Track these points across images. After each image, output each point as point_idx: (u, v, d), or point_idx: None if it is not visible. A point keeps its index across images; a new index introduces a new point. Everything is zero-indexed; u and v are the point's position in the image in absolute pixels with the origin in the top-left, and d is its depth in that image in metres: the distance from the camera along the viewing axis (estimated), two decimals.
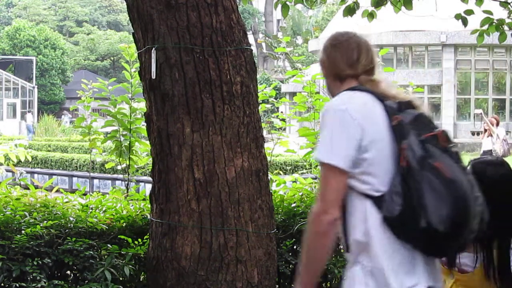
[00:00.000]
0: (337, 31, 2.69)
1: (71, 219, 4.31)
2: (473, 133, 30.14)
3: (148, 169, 6.40)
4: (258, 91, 4.34)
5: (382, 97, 2.44)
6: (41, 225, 4.16)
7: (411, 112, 2.44)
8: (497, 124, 15.70)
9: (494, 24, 6.52)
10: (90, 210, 4.51)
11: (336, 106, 2.43)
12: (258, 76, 6.90)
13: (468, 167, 3.02)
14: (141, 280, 4.30)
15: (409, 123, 2.39)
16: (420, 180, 2.30)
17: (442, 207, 2.28)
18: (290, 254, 4.61)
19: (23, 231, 4.12)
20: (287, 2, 6.71)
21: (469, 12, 6.28)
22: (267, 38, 47.80)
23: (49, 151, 22.55)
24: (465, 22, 6.32)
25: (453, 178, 2.31)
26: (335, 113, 2.40)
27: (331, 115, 2.41)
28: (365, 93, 2.45)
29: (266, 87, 7.19)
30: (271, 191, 3.99)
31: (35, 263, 4.02)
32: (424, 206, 2.28)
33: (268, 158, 4.24)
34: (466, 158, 3.14)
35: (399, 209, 2.31)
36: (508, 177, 3.00)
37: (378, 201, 2.36)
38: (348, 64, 2.53)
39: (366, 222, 2.38)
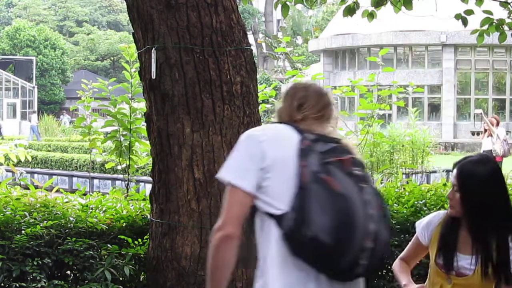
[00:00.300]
0: (296, 82, 2.84)
1: (71, 219, 4.31)
2: (473, 133, 30.11)
3: (148, 169, 6.40)
4: (258, 91, 4.34)
5: (304, 131, 2.54)
6: (41, 225, 4.16)
7: (329, 144, 2.51)
8: (497, 124, 15.68)
9: (494, 24, 6.52)
10: (90, 210, 4.51)
11: (246, 132, 2.61)
12: (258, 76, 6.91)
13: (455, 169, 2.98)
14: (141, 280, 4.30)
15: (319, 150, 2.47)
16: (311, 194, 2.38)
17: (326, 218, 2.34)
18: None
19: (23, 231, 4.13)
20: (287, 2, 6.71)
21: (469, 12, 6.27)
22: (267, 38, 47.80)
23: (49, 151, 22.55)
24: (465, 22, 6.32)
25: (341, 192, 2.37)
26: (243, 138, 2.56)
27: (241, 140, 2.57)
28: (285, 125, 2.57)
29: (266, 87, 7.20)
30: None
31: (35, 263, 4.02)
32: (311, 218, 2.35)
33: None
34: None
35: (292, 223, 2.37)
36: (498, 173, 2.96)
37: (279, 219, 2.42)
38: (290, 112, 2.65)
39: (269, 241, 2.45)
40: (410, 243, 3.24)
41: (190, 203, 3.68)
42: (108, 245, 4.24)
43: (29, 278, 4.03)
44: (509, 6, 6.63)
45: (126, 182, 6.52)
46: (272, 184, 2.45)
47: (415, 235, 3.18)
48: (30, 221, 4.20)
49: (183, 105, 3.67)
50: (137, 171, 7.77)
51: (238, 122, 3.73)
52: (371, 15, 6.68)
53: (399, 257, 3.28)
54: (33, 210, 4.32)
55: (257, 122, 3.84)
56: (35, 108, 45.07)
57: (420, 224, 3.15)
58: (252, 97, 3.82)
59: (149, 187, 6.51)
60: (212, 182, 3.66)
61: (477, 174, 2.91)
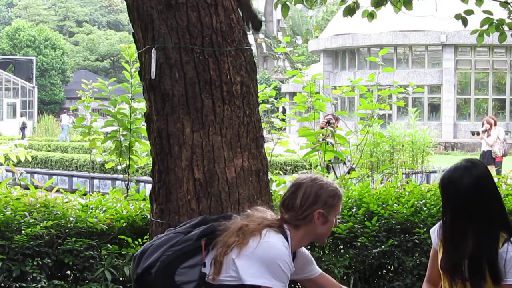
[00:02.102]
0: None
1: (71, 219, 4.31)
2: (473, 133, 30.14)
3: (148, 169, 6.40)
4: (258, 91, 4.34)
5: None
6: (41, 225, 4.16)
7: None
8: (495, 124, 15.71)
9: (494, 24, 6.52)
10: (90, 210, 4.51)
11: None
12: (258, 76, 6.90)
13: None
14: None
15: None
16: None
17: None
18: None
19: (23, 231, 4.12)
20: (287, 2, 6.71)
21: (469, 12, 6.28)
22: (267, 39, 47.79)
23: (49, 151, 22.56)
24: (465, 22, 6.32)
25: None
26: None
27: None
28: None
29: (266, 87, 7.19)
30: (271, 191, 3.98)
31: (35, 263, 4.02)
32: None
33: (268, 158, 4.24)
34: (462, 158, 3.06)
35: None
36: (483, 180, 2.84)
37: None
38: None
39: None
40: (429, 261, 3.14)
41: (190, 203, 3.68)
42: (108, 245, 4.24)
43: (29, 278, 4.03)
44: (509, 6, 6.63)
45: (126, 182, 6.53)
46: None
47: (431, 249, 3.11)
48: (30, 221, 4.20)
49: (183, 105, 3.67)
50: (137, 171, 7.77)
51: (238, 122, 3.73)
52: (371, 15, 6.68)
53: (424, 280, 3.18)
54: (33, 210, 4.32)
55: (257, 122, 3.84)
56: (35, 108, 45.06)
57: (434, 231, 3.07)
58: (252, 97, 3.82)
59: (149, 187, 6.51)
60: (212, 182, 3.65)
61: (457, 181, 2.83)
